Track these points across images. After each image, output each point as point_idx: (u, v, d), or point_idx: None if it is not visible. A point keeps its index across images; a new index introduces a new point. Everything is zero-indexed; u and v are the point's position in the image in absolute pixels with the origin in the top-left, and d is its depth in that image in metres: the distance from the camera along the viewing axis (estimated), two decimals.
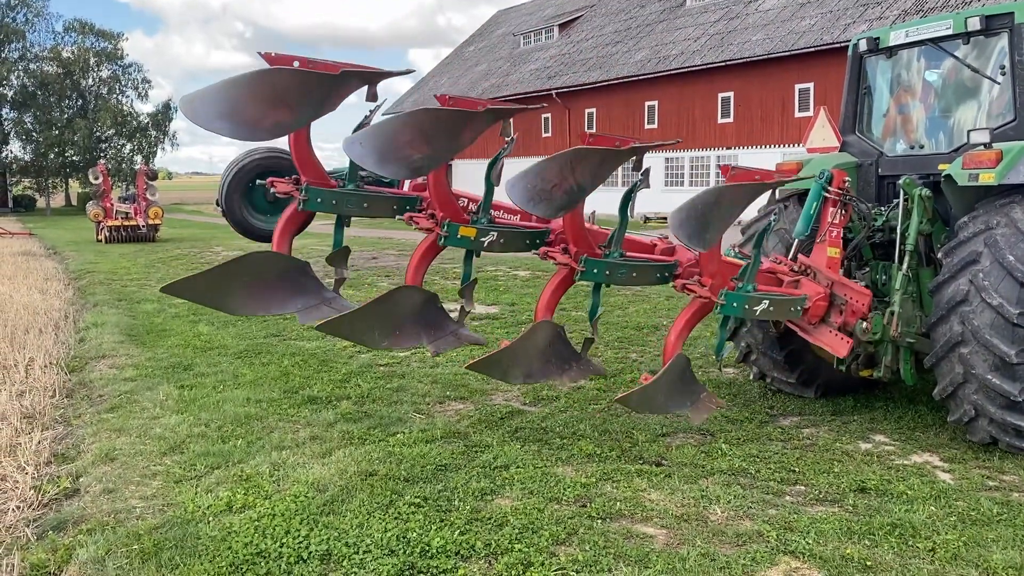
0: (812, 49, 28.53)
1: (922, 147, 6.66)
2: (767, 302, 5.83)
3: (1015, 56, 5.88)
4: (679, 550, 4.21)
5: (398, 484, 5.05)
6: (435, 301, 5.61)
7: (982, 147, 5.63)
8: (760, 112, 31.38)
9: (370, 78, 5.01)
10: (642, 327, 10.23)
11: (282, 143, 5.37)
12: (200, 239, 27.67)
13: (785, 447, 5.85)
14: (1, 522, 4.66)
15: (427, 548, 4.18)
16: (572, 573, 3.97)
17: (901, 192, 6.06)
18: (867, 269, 6.52)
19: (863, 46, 6.93)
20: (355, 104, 5.28)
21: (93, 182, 28.54)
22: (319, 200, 5.23)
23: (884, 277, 6.35)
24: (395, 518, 4.55)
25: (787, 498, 4.94)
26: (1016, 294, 5.26)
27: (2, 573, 4.07)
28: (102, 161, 42.25)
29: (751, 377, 7.36)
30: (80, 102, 61.17)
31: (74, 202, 62.67)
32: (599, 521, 4.55)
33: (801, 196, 6.74)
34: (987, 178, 5.49)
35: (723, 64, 31.82)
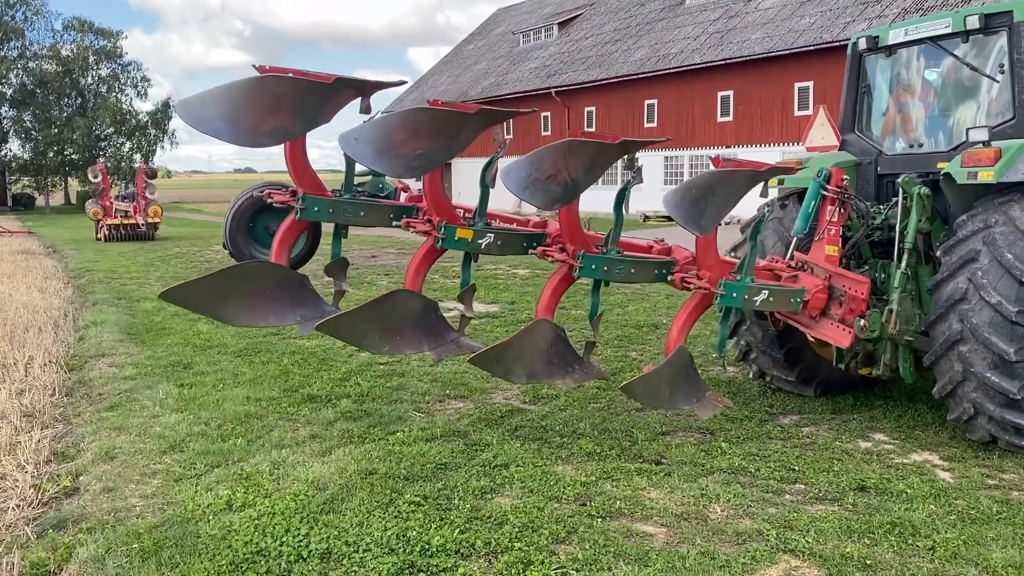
0: (811, 48, 28.54)
1: (921, 145, 6.66)
2: (766, 292, 5.85)
3: (1014, 54, 5.88)
4: (679, 549, 4.22)
5: (398, 483, 5.05)
6: (435, 309, 5.64)
7: (981, 145, 5.63)
8: (760, 111, 31.39)
9: (364, 88, 5.09)
10: (642, 325, 10.23)
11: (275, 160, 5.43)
12: (199, 237, 27.66)
13: (785, 446, 5.85)
14: (1, 520, 4.66)
15: (427, 547, 4.19)
16: (572, 572, 3.97)
17: (900, 190, 6.07)
18: (866, 267, 6.52)
19: (862, 45, 6.93)
20: (351, 109, 5.33)
21: (92, 180, 28.53)
22: (316, 209, 5.27)
23: (883, 275, 6.35)
24: (395, 516, 4.55)
25: (787, 497, 4.94)
26: (1015, 292, 5.27)
27: (2, 572, 4.07)
28: (101, 159, 42.29)
29: (750, 375, 7.37)
30: (79, 100, 61.17)
31: (73, 200, 62.66)
32: (599, 520, 4.56)
33: (800, 194, 6.74)
34: (986, 176, 5.50)
35: (723, 63, 31.83)
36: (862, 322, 5.96)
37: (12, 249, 23.11)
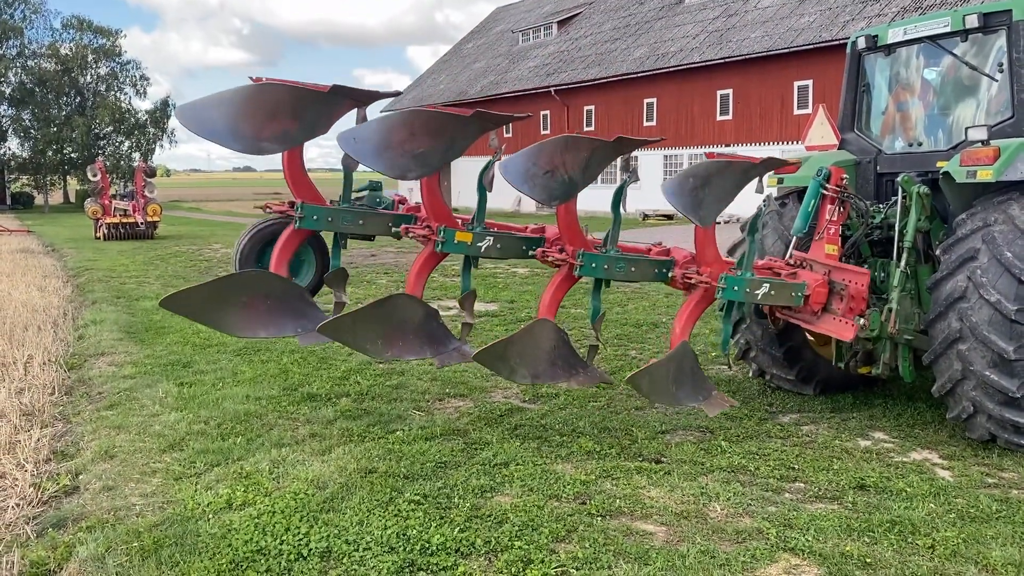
0: (811, 46, 28.54)
1: (920, 144, 6.66)
2: (767, 286, 5.87)
3: (1013, 53, 5.88)
4: (679, 547, 4.22)
5: (398, 481, 5.05)
6: (436, 316, 5.64)
7: (980, 144, 5.64)
8: (759, 109, 31.39)
9: (360, 99, 5.16)
10: (641, 324, 10.24)
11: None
12: (199, 236, 27.65)
13: (784, 444, 5.86)
14: (1, 519, 4.66)
15: (427, 545, 4.19)
16: (572, 570, 3.97)
17: (899, 189, 6.07)
18: (865, 266, 6.52)
19: (862, 43, 6.93)
20: (348, 118, 5.36)
21: (91, 179, 28.54)
22: (315, 218, 5.30)
23: (882, 274, 6.36)
24: (395, 515, 4.55)
25: (786, 495, 4.95)
26: (1014, 290, 5.27)
27: (2, 571, 4.07)
28: (100, 158, 42.24)
29: (750, 374, 7.37)
30: (78, 99, 61.14)
31: (72, 199, 62.66)
32: (599, 518, 4.56)
33: (800, 193, 6.75)
34: (985, 175, 5.50)
35: (722, 61, 31.82)
36: (862, 321, 5.97)
37: (11, 248, 23.09)
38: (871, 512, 4.65)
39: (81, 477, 5.33)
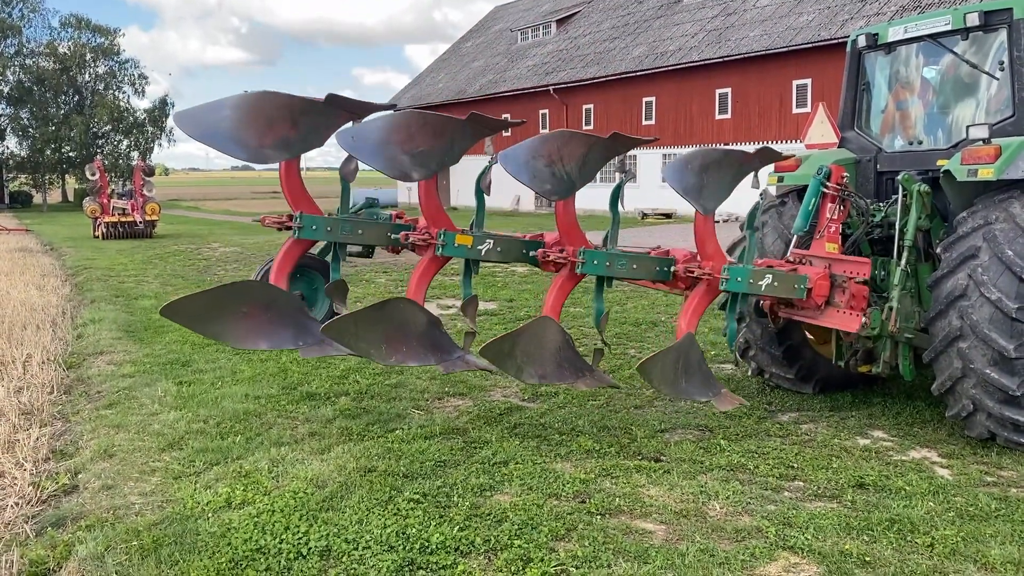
0: (810, 45, 28.54)
1: (921, 143, 6.66)
2: (770, 276, 5.86)
3: (1014, 52, 5.88)
4: (678, 546, 4.22)
5: (397, 480, 5.05)
6: (439, 324, 5.65)
7: (981, 143, 5.63)
8: (758, 108, 31.39)
9: (356, 111, 5.22)
10: (640, 323, 10.23)
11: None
12: (197, 235, 27.64)
13: (783, 443, 5.85)
14: (0, 518, 4.66)
15: (426, 544, 4.18)
16: (571, 569, 3.97)
17: (900, 188, 6.07)
18: None
19: (862, 42, 6.93)
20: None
21: (90, 178, 28.53)
22: (314, 228, 5.34)
23: (883, 273, 6.35)
24: (394, 514, 4.55)
25: (786, 494, 4.95)
26: (1015, 289, 5.27)
27: (1, 570, 4.07)
28: (99, 157, 42.19)
29: (749, 373, 7.37)
30: (76, 98, 61.07)
31: (71, 198, 62.63)
32: (598, 517, 4.56)
33: (799, 192, 6.74)
34: (986, 174, 5.50)
35: (721, 60, 31.82)
36: (863, 319, 5.96)
37: (10, 247, 23.07)
38: (870, 510, 4.65)
39: (80, 476, 5.32)
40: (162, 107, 62.99)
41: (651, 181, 33.76)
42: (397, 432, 5.99)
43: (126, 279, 15.54)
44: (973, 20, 6.05)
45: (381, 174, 5.46)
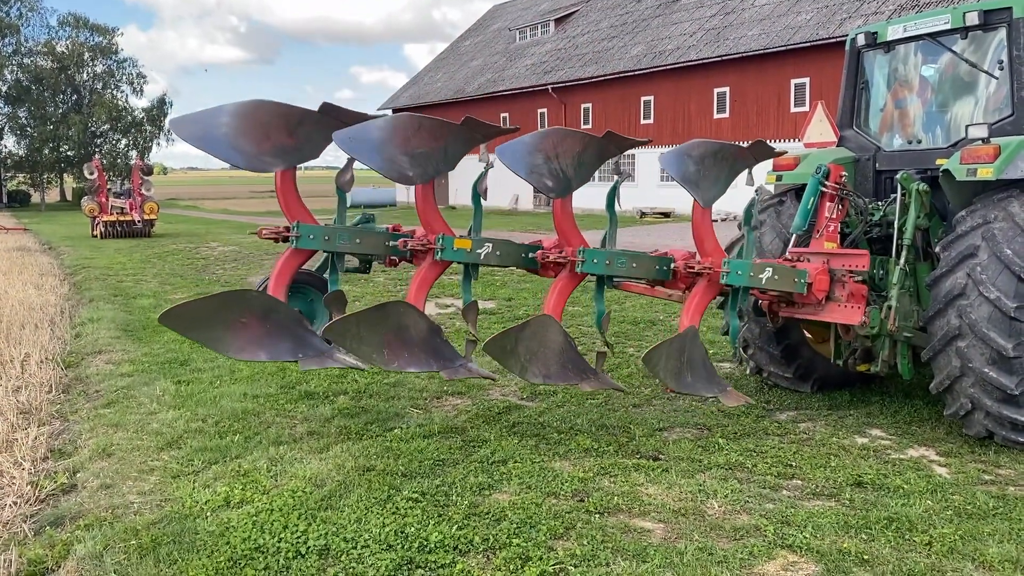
0: (808, 44, 28.53)
1: (919, 142, 6.66)
2: (771, 270, 5.87)
3: (1013, 51, 5.88)
4: (677, 544, 4.22)
5: (396, 479, 5.05)
6: (439, 332, 5.65)
7: (980, 142, 5.64)
8: (756, 107, 31.39)
9: (349, 120, 5.22)
10: (639, 321, 10.23)
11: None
12: (196, 234, 27.62)
13: (782, 441, 5.86)
14: None
15: (425, 543, 4.18)
16: (570, 567, 3.97)
17: (899, 187, 6.07)
18: None
19: (861, 41, 6.93)
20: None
21: (88, 177, 28.51)
22: (311, 237, 5.35)
23: (881, 272, 6.36)
24: (393, 513, 4.55)
25: (784, 492, 4.95)
26: (1013, 288, 5.27)
27: (0, 569, 4.07)
28: (97, 156, 42.17)
29: (747, 371, 7.37)
30: (75, 97, 61.05)
31: (69, 197, 62.60)
32: (597, 515, 4.56)
33: (798, 191, 6.75)
34: (985, 173, 5.50)
35: (719, 59, 31.82)
36: (862, 318, 5.97)
37: (8, 246, 23.05)
38: (868, 509, 4.65)
39: (79, 475, 5.32)
40: (160, 106, 62.99)
41: (649, 181, 33.77)
42: (396, 431, 5.99)
43: (124, 278, 15.53)
44: (972, 19, 6.06)
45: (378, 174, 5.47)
